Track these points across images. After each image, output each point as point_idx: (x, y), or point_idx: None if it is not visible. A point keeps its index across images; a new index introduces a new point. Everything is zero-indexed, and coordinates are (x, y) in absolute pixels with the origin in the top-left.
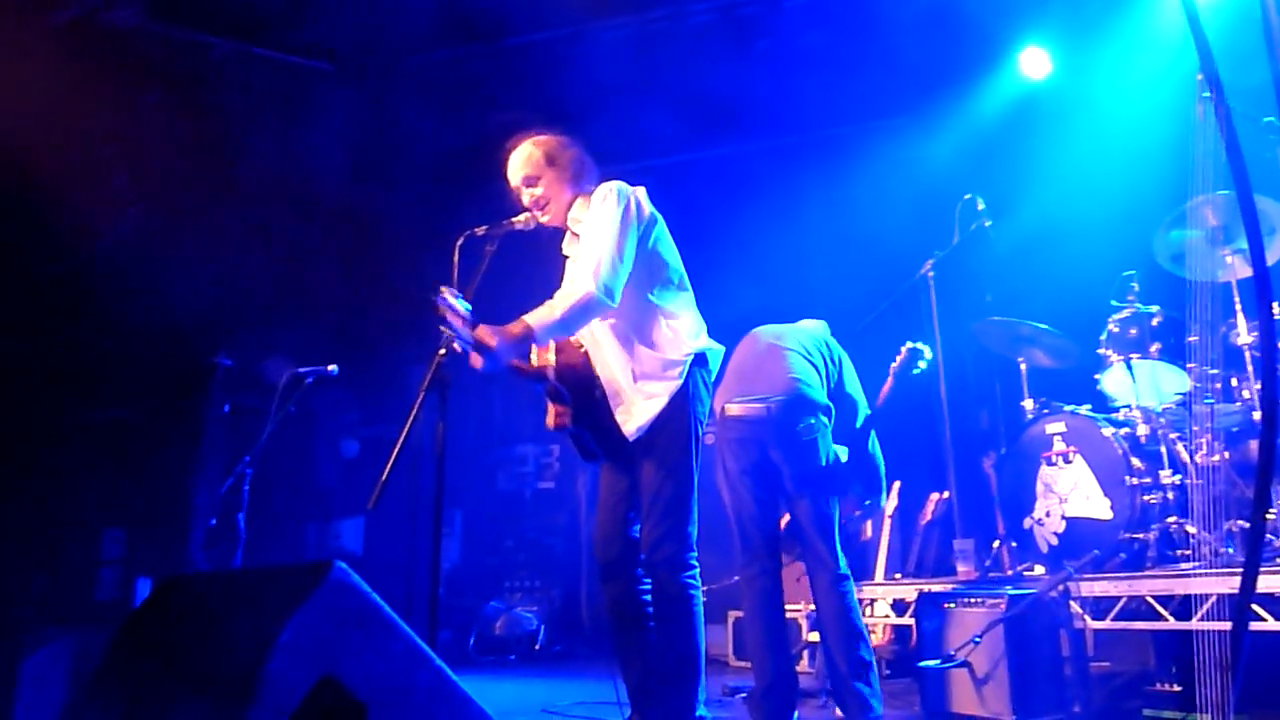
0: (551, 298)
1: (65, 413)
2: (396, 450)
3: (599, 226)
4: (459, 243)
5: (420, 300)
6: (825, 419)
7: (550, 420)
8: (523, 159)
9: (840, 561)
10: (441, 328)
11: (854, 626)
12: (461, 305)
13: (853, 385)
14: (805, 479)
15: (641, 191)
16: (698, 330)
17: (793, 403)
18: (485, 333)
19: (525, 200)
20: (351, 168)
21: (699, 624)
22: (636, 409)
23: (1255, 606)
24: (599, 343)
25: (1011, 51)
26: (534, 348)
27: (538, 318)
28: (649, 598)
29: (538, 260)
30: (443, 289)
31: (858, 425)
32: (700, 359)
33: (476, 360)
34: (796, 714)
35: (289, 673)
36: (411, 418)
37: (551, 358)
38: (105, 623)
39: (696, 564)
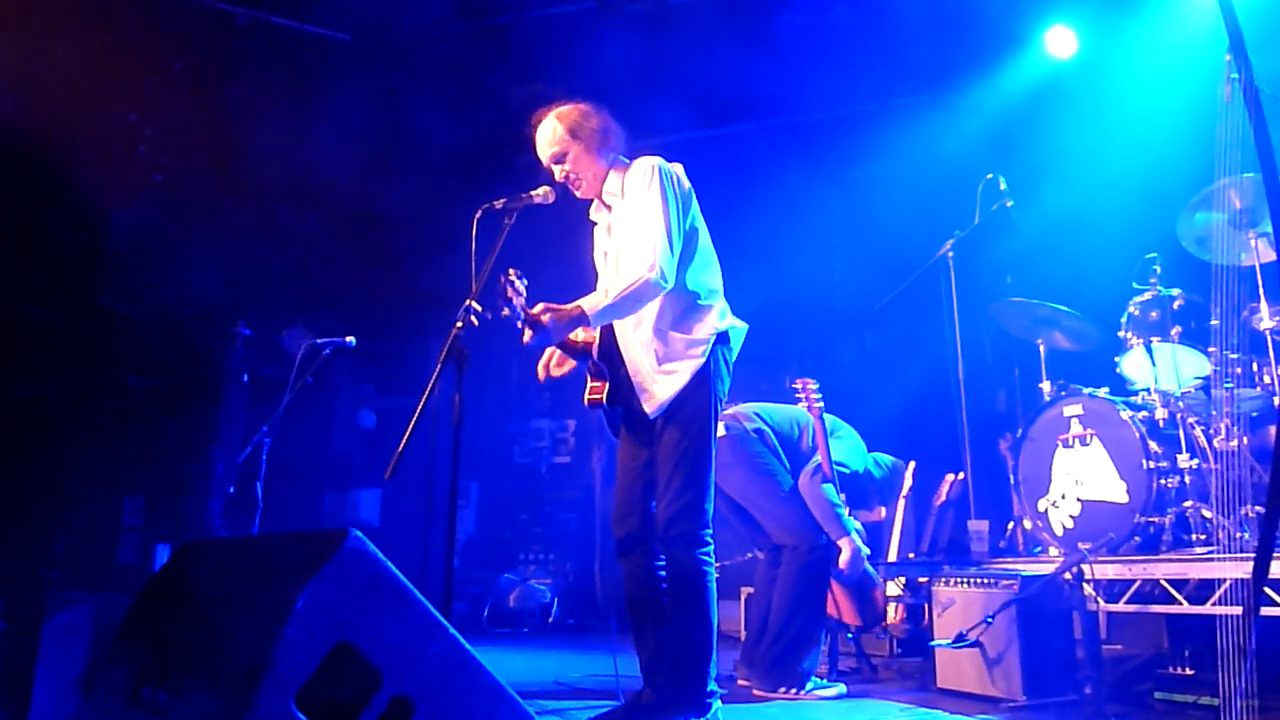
0: (596, 283)
1: (87, 380)
2: (413, 422)
3: (648, 210)
4: (477, 216)
5: (449, 288)
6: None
7: (587, 395)
8: (547, 136)
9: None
10: (501, 303)
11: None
12: (522, 285)
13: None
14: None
15: (679, 168)
16: (724, 310)
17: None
18: (540, 311)
19: (558, 177)
20: (369, 145)
21: (712, 600)
22: (657, 387)
23: (1271, 592)
24: (625, 321)
25: (1037, 30)
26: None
27: (592, 302)
28: (664, 573)
29: (559, 232)
30: (510, 271)
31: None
32: (723, 337)
33: (527, 335)
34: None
35: (305, 639)
36: (428, 390)
37: (596, 335)
38: (125, 587)
39: (711, 540)
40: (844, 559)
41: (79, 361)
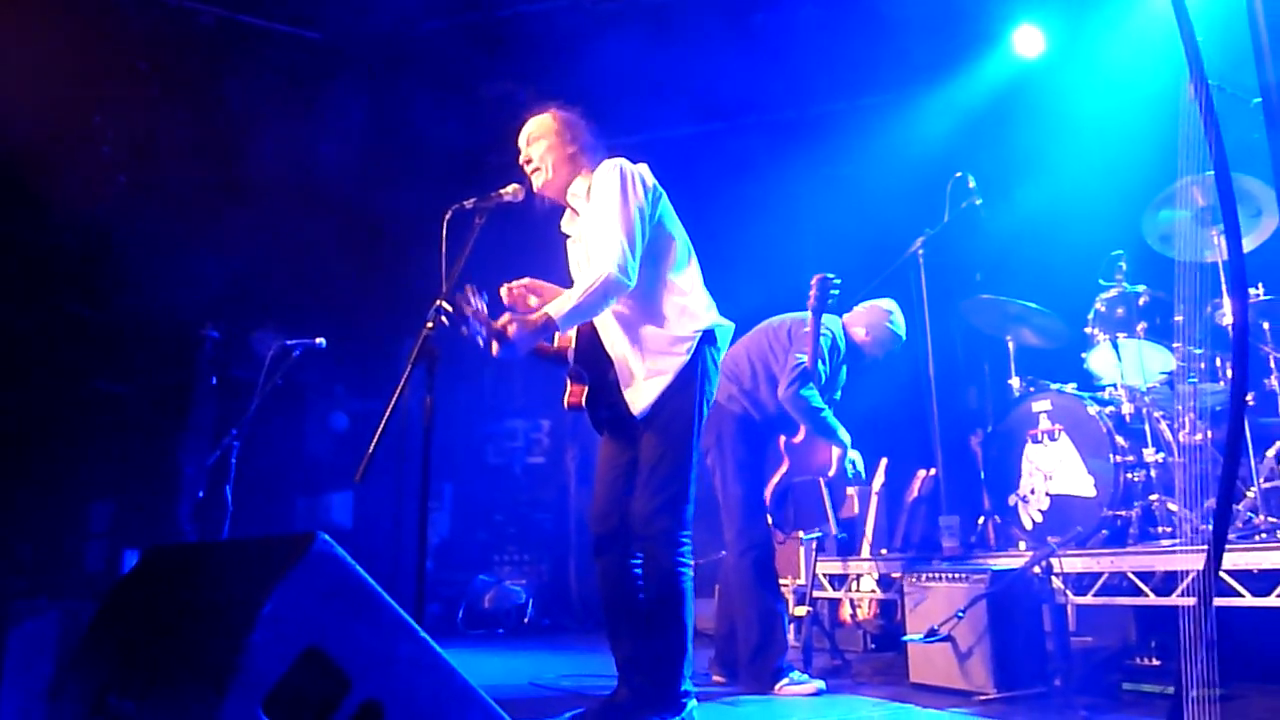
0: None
1: (54, 386)
2: (383, 424)
3: (607, 208)
4: (447, 216)
5: (421, 288)
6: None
7: (567, 399)
8: (536, 121)
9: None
10: (459, 322)
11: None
12: (479, 301)
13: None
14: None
15: (644, 168)
16: (707, 305)
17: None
18: (506, 323)
19: (521, 158)
20: (342, 147)
21: (688, 601)
22: (644, 387)
23: (1232, 582)
24: (608, 322)
25: (1005, 29)
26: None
27: (558, 307)
28: (640, 572)
29: (530, 232)
30: (466, 288)
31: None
32: (709, 336)
33: (494, 348)
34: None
35: (273, 644)
36: (398, 391)
37: (572, 338)
38: (92, 595)
39: (689, 542)
40: (835, 464)
41: (45, 366)
